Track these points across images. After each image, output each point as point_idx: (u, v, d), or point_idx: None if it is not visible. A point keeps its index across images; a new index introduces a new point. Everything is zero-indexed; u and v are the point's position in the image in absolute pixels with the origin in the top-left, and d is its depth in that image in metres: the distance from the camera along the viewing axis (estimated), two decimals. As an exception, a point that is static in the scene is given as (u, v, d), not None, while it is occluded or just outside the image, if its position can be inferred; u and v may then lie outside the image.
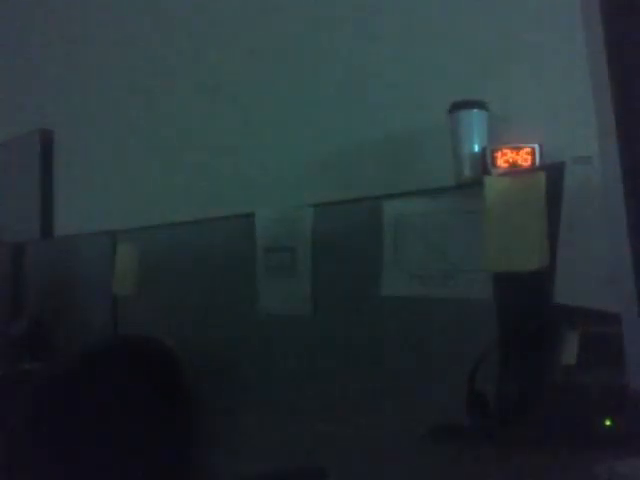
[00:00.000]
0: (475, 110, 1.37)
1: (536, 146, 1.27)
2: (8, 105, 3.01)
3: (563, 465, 1.10)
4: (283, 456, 1.64)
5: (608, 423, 1.06)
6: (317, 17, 1.76)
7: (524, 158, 1.29)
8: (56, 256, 2.59)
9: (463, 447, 1.28)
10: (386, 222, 1.49)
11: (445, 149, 1.40)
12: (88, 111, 2.56)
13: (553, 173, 1.23)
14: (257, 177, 1.88)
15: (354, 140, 1.65)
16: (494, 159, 1.31)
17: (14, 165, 2.91)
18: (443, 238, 1.39)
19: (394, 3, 1.60)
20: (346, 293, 1.58)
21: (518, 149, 1.29)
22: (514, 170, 1.28)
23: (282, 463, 1.61)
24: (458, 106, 1.38)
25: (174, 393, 1.78)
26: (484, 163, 1.32)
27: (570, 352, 1.15)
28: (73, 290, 2.45)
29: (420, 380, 1.40)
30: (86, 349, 1.78)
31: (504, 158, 1.30)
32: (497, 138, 1.36)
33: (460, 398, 1.27)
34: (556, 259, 1.20)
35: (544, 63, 1.33)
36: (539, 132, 1.30)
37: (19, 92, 2.96)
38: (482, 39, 1.44)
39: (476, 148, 1.36)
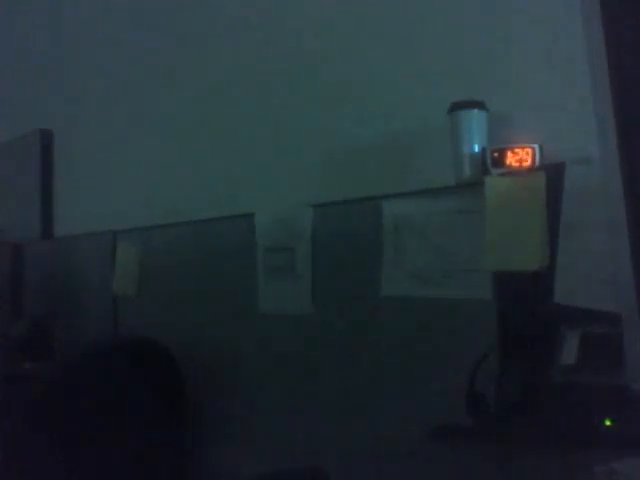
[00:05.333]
0: (475, 110, 1.37)
1: (536, 146, 1.27)
2: (8, 105, 3.01)
3: (563, 465, 1.10)
4: (283, 456, 1.64)
5: (608, 423, 1.06)
6: (317, 17, 1.76)
7: (524, 158, 1.29)
8: (56, 256, 2.59)
9: (463, 447, 1.28)
10: (386, 222, 1.49)
11: (445, 149, 1.40)
12: (88, 111, 2.56)
13: (553, 173, 1.23)
14: (257, 177, 1.88)
15: (354, 140, 1.64)
16: (494, 159, 1.31)
17: (14, 165, 2.91)
18: (443, 238, 1.39)
19: (394, 3, 1.60)
20: (346, 293, 1.58)
21: (518, 149, 1.29)
22: (514, 170, 1.28)
23: (282, 463, 1.61)
24: (458, 106, 1.38)
25: (174, 393, 1.78)
26: (484, 163, 1.32)
27: (570, 352, 1.15)
28: (73, 290, 2.45)
29: (420, 380, 1.40)
30: (86, 349, 1.78)
31: (504, 158, 1.30)
32: (497, 138, 1.36)
33: (460, 398, 1.27)
34: (556, 259, 1.20)
35: (544, 63, 1.33)
36: (539, 132, 1.30)
37: (19, 92, 2.96)
38: (482, 39, 1.44)
39: (476, 148, 1.36)
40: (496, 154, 1.31)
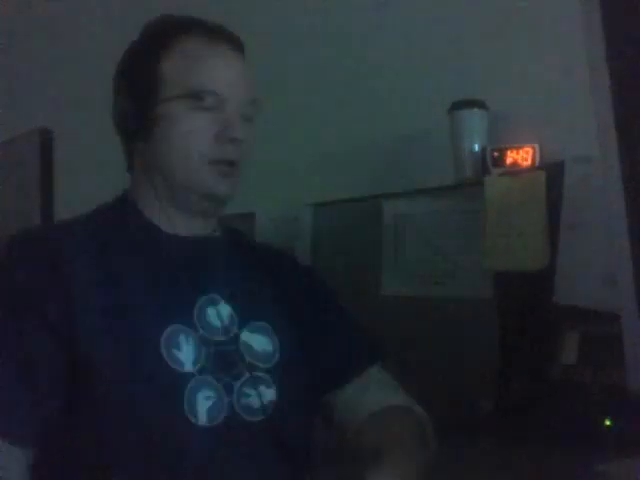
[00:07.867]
0: (475, 110, 1.37)
1: (536, 145, 1.27)
2: (8, 105, 3.00)
3: (563, 465, 1.10)
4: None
5: (608, 423, 1.06)
6: (317, 17, 1.76)
7: (524, 158, 1.29)
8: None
9: (463, 447, 1.28)
10: (386, 222, 1.49)
11: (445, 149, 1.40)
12: (88, 111, 2.56)
13: (553, 172, 1.23)
14: (257, 177, 1.88)
15: (354, 140, 1.64)
16: (494, 158, 1.31)
17: (14, 165, 2.91)
18: (443, 238, 1.39)
19: (394, 3, 1.60)
20: (346, 293, 1.57)
21: (518, 149, 1.29)
22: (514, 170, 1.28)
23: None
24: (458, 106, 1.38)
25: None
26: (484, 163, 1.32)
27: (570, 352, 1.15)
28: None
29: (419, 380, 1.40)
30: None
31: (504, 157, 1.30)
32: (497, 138, 1.36)
33: (460, 398, 1.27)
34: (556, 259, 1.20)
35: (544, 63, 1.33)
36: (539, 132, 1.30)
37: (19, 92, 2.95)
38: (482, 39, 1.44)
39: (476, 148, 1.36)
40: (496, 153, 1.31)
